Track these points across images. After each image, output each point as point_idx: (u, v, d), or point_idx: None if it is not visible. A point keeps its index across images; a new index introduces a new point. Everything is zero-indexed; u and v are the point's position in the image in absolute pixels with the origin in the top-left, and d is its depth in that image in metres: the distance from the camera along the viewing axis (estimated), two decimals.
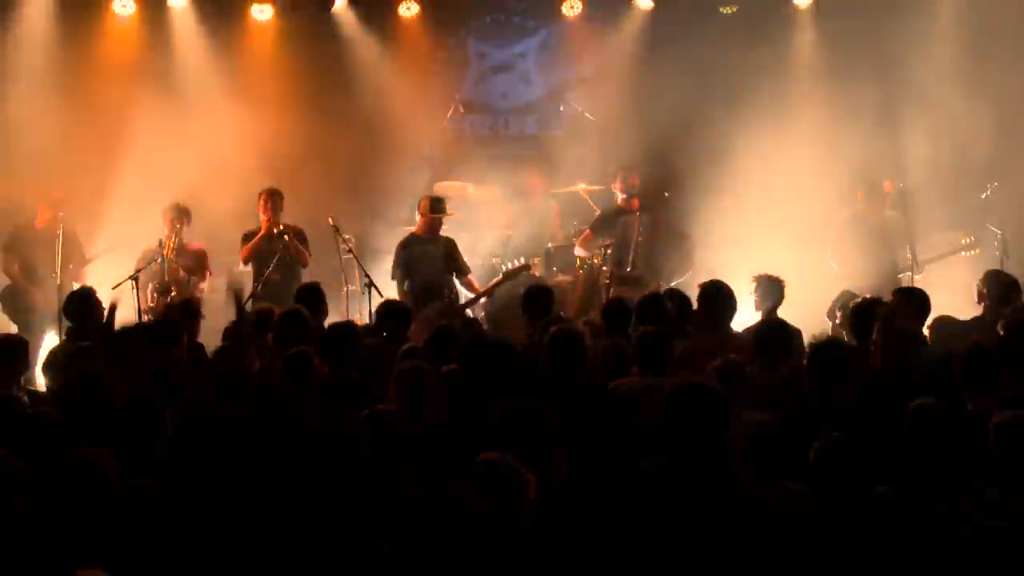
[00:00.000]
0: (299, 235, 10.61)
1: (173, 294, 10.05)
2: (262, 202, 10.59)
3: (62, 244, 10.46)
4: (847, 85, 12.22)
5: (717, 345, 6.77)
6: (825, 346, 6.00)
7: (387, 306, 8.02)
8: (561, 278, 11.47)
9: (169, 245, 10.62)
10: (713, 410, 4.34)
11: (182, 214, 10.83)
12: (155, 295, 10.33)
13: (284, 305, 7.89)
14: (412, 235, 10.69)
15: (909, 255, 10.53)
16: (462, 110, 12.72)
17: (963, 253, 10.87)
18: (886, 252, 10.79)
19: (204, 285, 10.75)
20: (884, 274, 10.53)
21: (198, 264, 10.83)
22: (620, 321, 7.33)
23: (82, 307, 7.90)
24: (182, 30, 12.33)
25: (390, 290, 10.03)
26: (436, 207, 10.64)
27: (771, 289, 8.02)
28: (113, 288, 9.24)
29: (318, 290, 8.29)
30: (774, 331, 6.80)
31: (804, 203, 11.52)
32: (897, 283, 10.20)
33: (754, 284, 8.19)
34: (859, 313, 7.08)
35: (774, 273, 8.13)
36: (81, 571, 3.46)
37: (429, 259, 10.45)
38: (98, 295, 8.10)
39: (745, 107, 12.01)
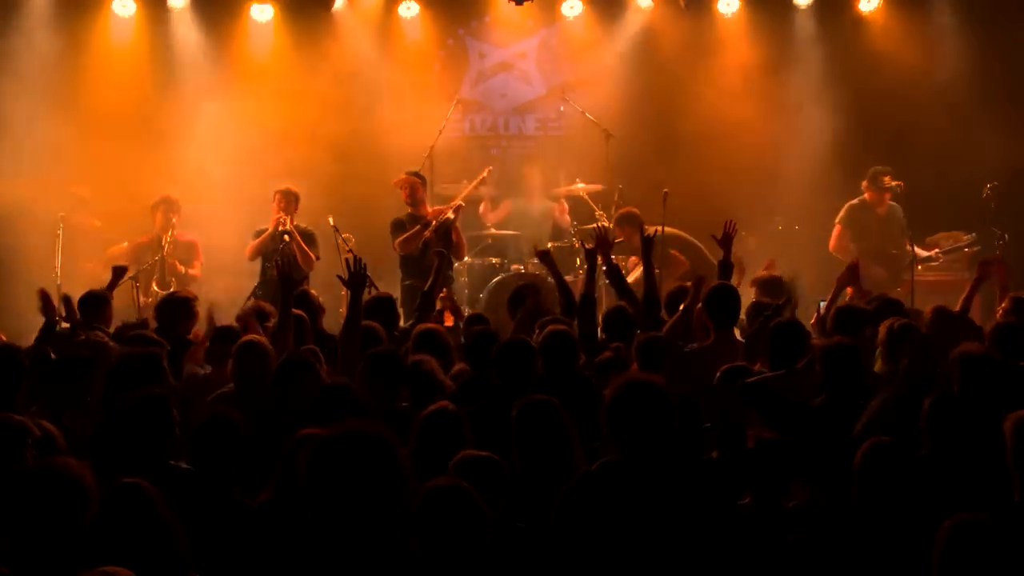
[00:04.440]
0: (307, 236, 10.56)
1: (172, 289, 10.05)
2: (275, 201, 10.57)
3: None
4: (848, 83, 12.24)
5: (732, 350, 6.64)
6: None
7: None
8: None
9: (166, 239, 10.70)
10: (658, 408, 4.19)
11: (173, 206, 10.90)
12: (156, 290, 10.47)
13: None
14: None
15: (909, 248, 10.55)
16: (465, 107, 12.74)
17: (965, 249, 10.93)
18: (890, 243, 10.82)
19: (197, 275, 10.94)
20: (889, 267, 10.58)
21: (190, 255, 11.03)
22: (621, 328, 7.20)
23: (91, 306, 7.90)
24: (182, 30, 12.31)
25: (388, 289, 9.96)
26: None
27: (775, 289, 7.98)
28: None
29: (307, 297, 7.95)
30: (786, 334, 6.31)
31: (803, 200, 11.55)
32: (899, 277, 10.27)
33: (756, 287, 8.17)
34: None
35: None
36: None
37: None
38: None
39: (745, 105, 12.04)
